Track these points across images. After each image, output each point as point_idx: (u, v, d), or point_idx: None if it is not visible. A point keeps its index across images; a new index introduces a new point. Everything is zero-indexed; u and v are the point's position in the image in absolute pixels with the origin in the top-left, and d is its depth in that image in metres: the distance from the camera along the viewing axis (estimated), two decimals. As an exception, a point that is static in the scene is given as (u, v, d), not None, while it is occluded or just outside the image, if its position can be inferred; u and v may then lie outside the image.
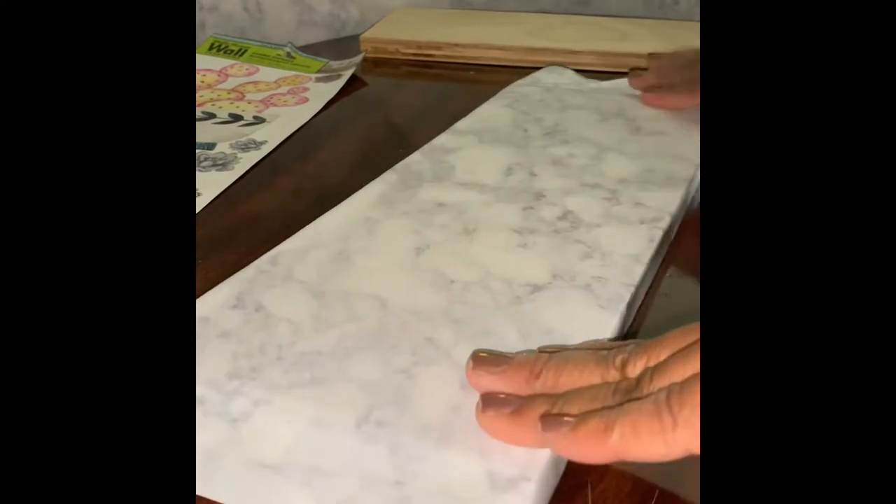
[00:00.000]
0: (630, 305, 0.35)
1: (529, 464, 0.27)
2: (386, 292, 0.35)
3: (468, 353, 0.31)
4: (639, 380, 0.26)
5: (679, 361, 0.26)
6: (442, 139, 0.51)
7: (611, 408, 0.25)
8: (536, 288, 0.36)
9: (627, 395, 0.26)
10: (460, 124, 0.53)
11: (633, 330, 0.36)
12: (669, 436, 0.24)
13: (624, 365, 0.27)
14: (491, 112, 0.56)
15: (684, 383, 0.25)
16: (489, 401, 0.28)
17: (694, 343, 0.26)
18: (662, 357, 0.26)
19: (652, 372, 0.26)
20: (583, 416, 0.26)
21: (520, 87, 0.61)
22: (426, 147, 0.50)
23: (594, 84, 0.61)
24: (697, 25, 0.48)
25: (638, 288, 0.36)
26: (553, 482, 0.28)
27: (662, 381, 0.25)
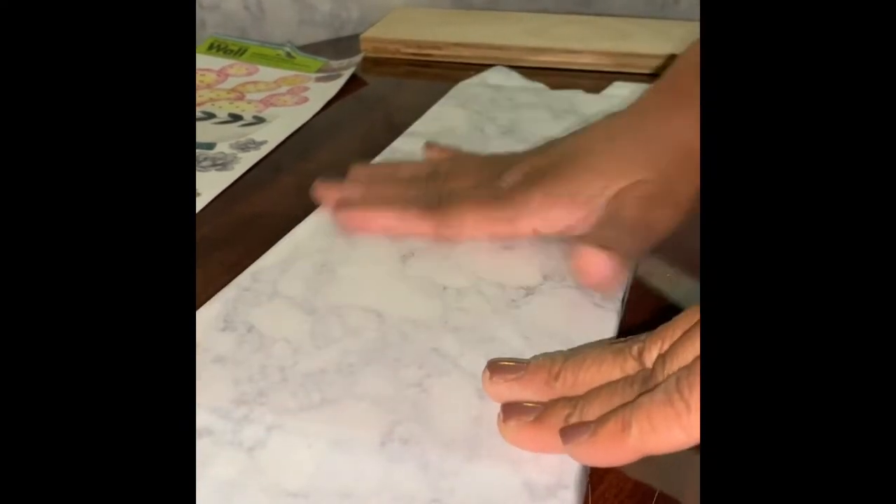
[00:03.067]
0: (623, 301, 0.35)
1: (564, 470, 0.26)
2: (379, 303, 0.35)
3: (476, 362, 0.30)
4: (654, 367, 0.26)
5: (687, 342, 0.26)
6: (400, 142, 0.51)
7: (625, 406, 0.25)
8: (529, 290, 0.36)
9: (644, 384, 0.26)
10: (416, 126, 0.53)
11: (630, 325, 0.36)
12: (685, 420, 0.24)
13: (641, 354, 0.27)
14: (444, 112, 0.56)
15: (692, 365, 0.25)
16: (510, 411, 0.28)
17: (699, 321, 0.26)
18: (676, 337, 0.26)
19: (664, 357, 0.26)
20: (600, 420, 0.26)
21: (469, 86, 0.61)
22: (387, 150, 0.49)
23: (541, 86, 0.61)
24: (697, 25, 0.48)
25: (627, 283, 0.36)
26: (585, 485, 0.28)
27: (673, 366, 0.25)
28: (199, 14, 0.80)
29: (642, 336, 0.28)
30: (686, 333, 0.26)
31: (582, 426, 0.26)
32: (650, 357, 0.27)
